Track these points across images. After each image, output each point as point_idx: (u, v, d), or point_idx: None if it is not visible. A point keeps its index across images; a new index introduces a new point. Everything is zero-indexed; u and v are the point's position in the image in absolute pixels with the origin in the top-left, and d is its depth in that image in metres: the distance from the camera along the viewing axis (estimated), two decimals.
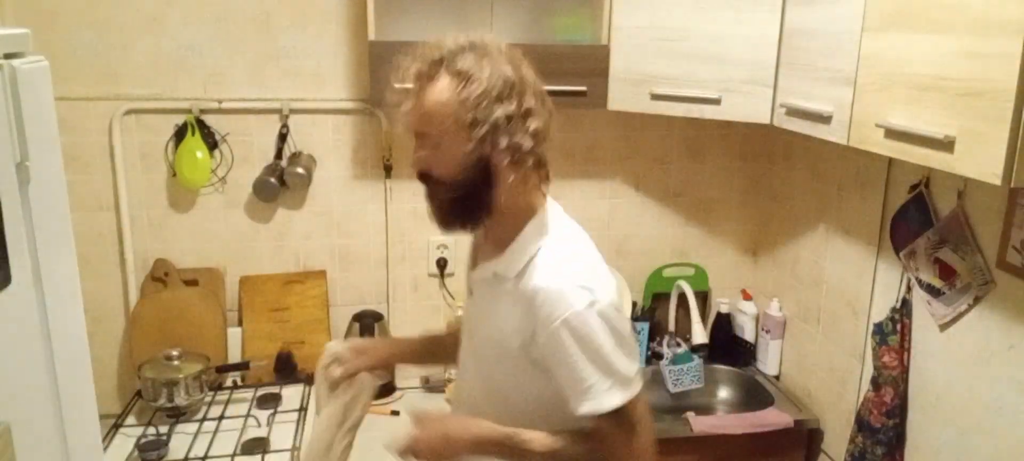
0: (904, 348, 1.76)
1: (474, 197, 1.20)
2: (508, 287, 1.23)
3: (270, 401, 2.03)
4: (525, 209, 1.25)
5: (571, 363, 1.17)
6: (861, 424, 1.82)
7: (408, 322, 2.31)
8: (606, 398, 1.17)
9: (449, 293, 2.31)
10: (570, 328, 1.15)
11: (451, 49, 1.16)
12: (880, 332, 1.78)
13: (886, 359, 1.76)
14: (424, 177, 1.23)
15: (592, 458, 1.24)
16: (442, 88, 1.14)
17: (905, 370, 1.76)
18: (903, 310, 1.76)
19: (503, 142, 1.14)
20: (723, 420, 2.10)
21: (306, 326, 2.19)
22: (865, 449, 1.80)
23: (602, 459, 1.24)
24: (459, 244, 2.29)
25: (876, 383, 1.78)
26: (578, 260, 1.23)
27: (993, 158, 1.15)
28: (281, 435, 1.86)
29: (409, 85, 1.18)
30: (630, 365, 1.20)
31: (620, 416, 1.19)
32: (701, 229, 2.42)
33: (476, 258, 1.37)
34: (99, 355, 2.10)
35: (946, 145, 1.24)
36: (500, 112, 1.13)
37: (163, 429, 1.86)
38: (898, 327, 1.75)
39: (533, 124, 1.17)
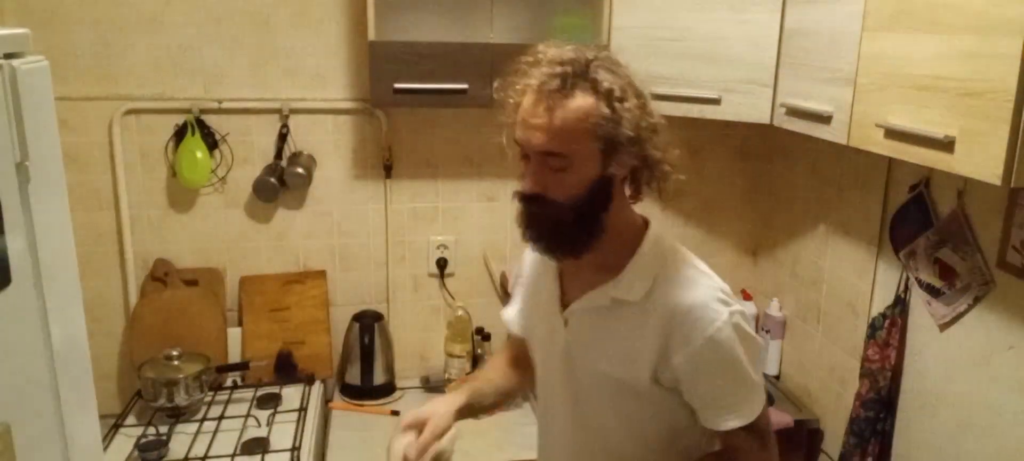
0: (891, 345, 1.76)
1: (589, 218, 1.12)
2: (631, 311, 1.15)
3: (270, 401, 2.03)
4: (635, 226, 1.20)
5: (716, 378, 1.13)
6: (850, 418, 1.84)
7: (408, 322, 2.31)
8: (748, 408, 1.14)
9: (449, 293, 2.31)
10: (716, 342, 1.10)
11: (580, 60, 1.08)
12: (872, 327, 1.80)
13: (870, 353, 1.78)
14: (534, 198, 1.11)
15: None
16: (581, 104, 1.05)
17: (891, 367, 1.76)
18: (896, 307, 1.76)
19: (636, 160, 1.10)
20: None
21: (306, 326, 2.19)
22: (847, 441, 1.83)
23: None
24: (459, 244, 2.29)
25: (860, 375, 1.80)
26: (706, 273, 1.17)
27: (993, 158, 1.15)
28: (281, 435, 1.86)
29: (532, 98, 1.08)
30: (760, 374, 1.17)
31: (755, 427, 1.16)
32: (701, 229, 2.42)
33: (565, 287, 1.26)
34: (99, 355, 2.10)
35: (946, 145, 1.24)
36: (639, 130, 1.07)
37: (163, 429, 1.86)
38: (886, 322, 1.76)
39: (663, 137, 1.12)
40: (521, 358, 1.43)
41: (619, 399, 1.20)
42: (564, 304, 1.24)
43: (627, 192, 1.16)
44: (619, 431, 1.23)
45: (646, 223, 1.22)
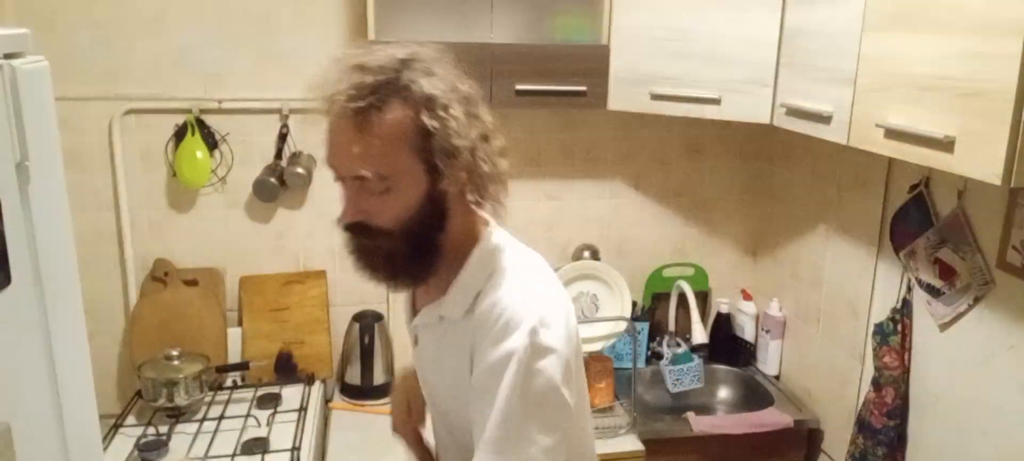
0: (905, 348, 1.76)
1: (426, 241, 1.01)
2: (457, 328, 1.05)
3: (270, 401, 2.03)
4: (467, 240, 1.05)
5: (485, 401, 0.97)
6: (862, 425, 1.82)
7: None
8: (499, 454, 0.96)
9: None
10: (503, 365, 0.95)
11: (389, 66, 0.95)
12: (881, 332, 1.78)
13: (887, 359, 1.76)
14: (359, 228, 1.01)
15: None
16: (395, 118, 0.93)
17: (906, 370, 1.76)
18: (903, 310, 1.75)
19: (466, 172, 0.97)
20: (723, 420, 2.10)
21: (306, 326, 2.19)
22: (866, 450, 1.80)
23: None
24: None
25: (877, 384, 1.78)
26: (534, 292, 1.02)
27: (993, 158, 1.15)
28: (281, 435, 1.86)
29: (336, 118, 0.96)
30: (545, 438, 0.96)
31: None
32: (701, 229, 2.42)
33: (415, 301, 1.16)
34: (99, 355, 2.09)
35: (946, 145, 1.24)
36: (468, 138, 0.95)
37: (163, 429, 1.86)
38: (899, 327, 1.75)
39: (497, 143, 1.00)
40: None
41: (457, 417, 1.09)
42: (414, 313, 1.15)
43: (470, 198, 1.01)
44: (463, 450, 1.08)
45: (484, 234, 1.08)
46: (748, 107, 1.83)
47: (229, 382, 2.11)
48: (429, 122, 0.93)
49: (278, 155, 2.13)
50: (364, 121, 0.93)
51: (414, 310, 1.16)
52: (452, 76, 0.98)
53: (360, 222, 1.00)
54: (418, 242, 1.00)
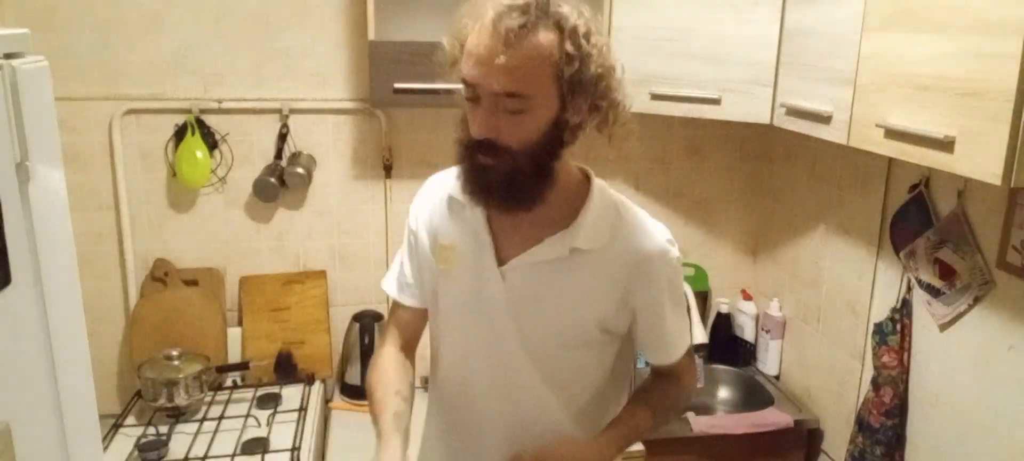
0: (904, 348, 1.76)
1: (544, 167, 1.06)
2: (590, 260, 1.13)
3: (270, 401, 2.03)
4: (575, 174, 1.16)
5: (674, 316, 1.22)
6: (861, 424, 1.82)
7: None
8: (688, 337, 1.29)
9: None
10: (674, 284, 1.21)
11: None
12: (880, 332, 1.78)
13: (886, 359, 1.76)
14: (485, 146, 1.04)
15: (681, 395, 1.32)
16: (544, 41, 0.98)
17: (905, 370, 1.76)
18: (903, 310, 1.76)
19: (592, 103, 1.04)
20: (723, 420, 2.10)
21: (306, 326, 2.19)
22: (865, 449, 1.80)
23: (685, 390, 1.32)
24: None
25: (876, 383, 1.79)
26: (652, 219, 1.23)
27: (993, 158, 1.15)
28: (281, 435, 1.86)
29: (486, 34, 0.99)
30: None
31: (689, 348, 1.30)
32: (701, 229, 2.42)
33: (499, 242, 1.17)
34: (99, 355, 2.10)
35: (946, 145, 1.24)
36: (603, 69, 1.03)
37: (163, 429, 1.86)
38: (898, 327, 1.75)
39: (620, 79, 1.07)
40: (411, 341, 1.39)
41: (559, 355, 1.20)
42: (500, 260, 1.17)
43: (591, 128, 1.10)
44: (544, 389, 1.21)
45: (582, 171, 1.21)
46: (748, 107, 1.83)
47: (229, 382, 2.11)
48: (573, 49, 0.99)
49: (278, 155, 2.13)
50: (516, 39, 0.97)
51: (500, 253, 1.17)
52: (588, 13, 1.04)
53: (489, 140, 1.03)
54: (537, 166, 1.05)
